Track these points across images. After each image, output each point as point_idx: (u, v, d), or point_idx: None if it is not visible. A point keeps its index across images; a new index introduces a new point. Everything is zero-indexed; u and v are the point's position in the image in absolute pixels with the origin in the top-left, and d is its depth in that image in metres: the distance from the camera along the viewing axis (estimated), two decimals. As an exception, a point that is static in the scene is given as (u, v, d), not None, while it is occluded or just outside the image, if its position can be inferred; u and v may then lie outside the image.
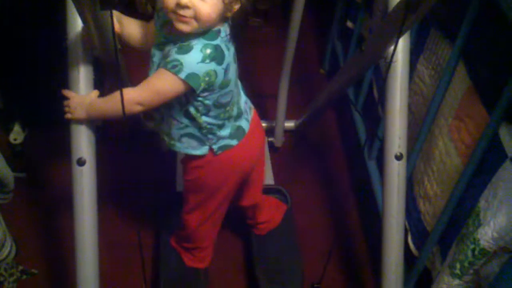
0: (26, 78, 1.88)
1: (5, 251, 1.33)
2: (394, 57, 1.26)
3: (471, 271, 1.13)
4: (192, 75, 1.09)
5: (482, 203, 1.10)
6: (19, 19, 1.73)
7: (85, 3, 0.96)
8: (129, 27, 1.25)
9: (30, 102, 1.95)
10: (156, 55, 1.18)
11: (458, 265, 1.15)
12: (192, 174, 1.36)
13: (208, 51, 1.10)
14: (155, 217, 1.74)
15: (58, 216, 1.75)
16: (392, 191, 1.33)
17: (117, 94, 1.17)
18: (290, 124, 2.09)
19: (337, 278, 1.70)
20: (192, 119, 1.22)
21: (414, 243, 1.44)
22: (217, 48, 1.11)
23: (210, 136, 1.26)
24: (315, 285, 1.49)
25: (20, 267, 1.62)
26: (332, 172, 2.02)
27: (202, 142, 1.27)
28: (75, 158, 1.23)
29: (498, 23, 1.08)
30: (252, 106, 1.38)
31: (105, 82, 2.00)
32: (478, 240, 1.08)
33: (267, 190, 1.71)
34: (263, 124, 1.67)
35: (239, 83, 1.29)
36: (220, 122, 1.25)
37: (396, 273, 1.36)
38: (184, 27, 1.08)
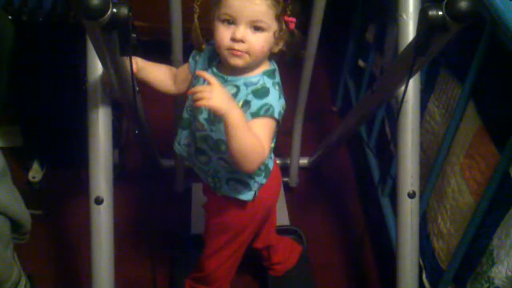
0: (46, 116, 1.93)
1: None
2: (405, 97, 1.29)
3: (486, 310, 1.13)
4: (280, 113, 1.14)
5: (495, 242, 1.10)
6: (42, 58, 1.78)
7: (105, 48, 1.00)
8: (155, 73, 1.29)
9: (49, 141, 1.99)
10: None
11: (473, 304, 1.14)
12: (225, 217, 1.35)
13: (278, 88, 1.15)
14: (170, 259, 1.74)
15: (74, 253, 1.77)
16: (406, 229, 1.33)
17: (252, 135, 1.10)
18: (303, 161, 2.11)
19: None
20: None
21: (429, 281, 1.43)
22: (279, 85, 1.17)
23: (255, 180, 1.27)
24: None
25: (36, 305, 1.63)
26: (347, 210, 2.02)
27: (248, 187, 1.27)
28: (93, 196, 1.26)
29: (506, 63, 1.10)
30: None
31: (122, 123, 2.05)
32: (493, 279, 1.08)
33: (282, 231, 1.71)
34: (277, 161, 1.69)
35: None
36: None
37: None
38: (238, 61, 1.12)
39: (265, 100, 1.12)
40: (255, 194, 1.29)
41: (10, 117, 1.98)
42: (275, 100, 1.13)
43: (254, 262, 1.67)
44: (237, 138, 1.05)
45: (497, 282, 1.07)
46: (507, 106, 1.11)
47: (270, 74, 1.16)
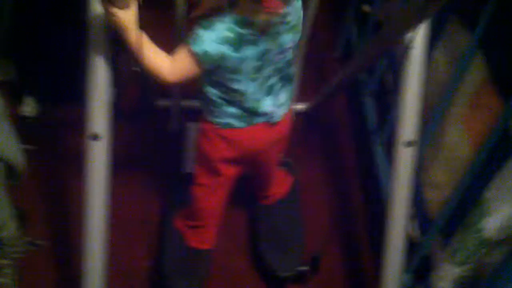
0: (42, 50, 1.88)
1: (6, 230, 1.35)
2: (413, 44, 1.26)
3: (472, 261, 1.14)
4: (205, 52, 1.13)
5: (488, 194, 1.11)
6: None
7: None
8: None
9: (45, 77, 1.95)
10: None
11: (459, 254, 1.16)
12: (199, 141, 1.41)
13: (220, 34, 1.11)
14: (162, 196, 1.76)
15: (67, 190, 1.77)
16: (401, 177, 1.34)
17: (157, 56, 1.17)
18: (302, 107, 2.10)
19: (337, 253, 1.73)
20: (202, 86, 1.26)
21: (417, 230, 1.45)
22: (229, 36, 1.12)
23: (212, 108, 1.29)
24: (315, 255, 1.53)
25: (27, 239, 1.65)
26: (340, 154, 2.04)
27: (206, 111, 1.32)
28: (89, 132, 1.24)
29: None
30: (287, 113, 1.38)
31: (121, 59, 2.00)
32: (481, 230, 1.09)
33: None
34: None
35: (266, 84, 1.27)
36: (228, 99, 1.26)
37: (397, 257, 1.38)
38: None
39: (199, 31, 1.12)
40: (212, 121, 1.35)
41: (3, 49, 1.93)
42: (208, 36, 1.11)
43: (243, 199, 1.71)
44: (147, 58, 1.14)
45: (485, 233, 1.08)
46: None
47: (238, 21, 1.11)
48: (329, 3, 2.41)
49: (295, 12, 1.17)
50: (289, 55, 1.24)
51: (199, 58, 1.13)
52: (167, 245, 1.60)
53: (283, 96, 1.33)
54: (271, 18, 1.11)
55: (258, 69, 1.21)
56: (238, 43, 1.12)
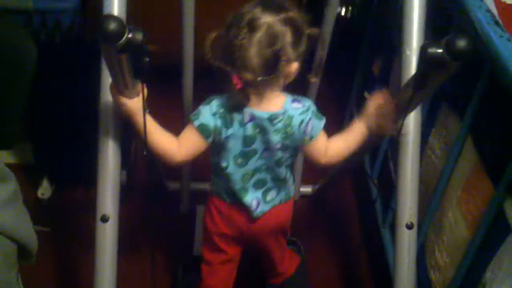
0: (57, 134, 1.97)
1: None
2: (406, 130, 1.33)
3: None
4: (202, 125, 1.24)
5: (488, 275, 1.12)
6: (56, 77, 1.83)
7: (119, 71, 1.05)
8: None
9: (59, 158, 2.04)
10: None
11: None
12: (204, 216, 1.49)
13: (213, 107, 1.23)
14: (173, 279, 1.77)
15: (79, 270, 1.80)
16: (403, 259, 1.36)
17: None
18: (307, 189, 2.14)
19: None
20: None
21: (425, 313, 1.45)
22: (218, 111, 1.22)
23: (212, 175, 1.38)
24: None
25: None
26: (348, 237, 2.05)
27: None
28: (99, 214, 1.29)
29: (504, 101, 1.14)
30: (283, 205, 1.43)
31: (131, 143, 2.08)
32: (485, 312, 1.10)
33: None
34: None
35: (254, 177, 1.33)
36: (219, 172, 1.33)
37: None
38: None
39: (200, 106, 1.24)
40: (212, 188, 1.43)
41: (21, 134, 2.03)
42: (205, 110, 1.22)
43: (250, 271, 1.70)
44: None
45: (489, 314, 1.09)
46: (504, 143, 1.15)
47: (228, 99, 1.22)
48: (333, 90, 2.53)
49: (283, 117, 1.22)
50: (279, 155, 1.28)
51: (198, 131, 1.22)
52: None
53: (272, 195, 1.37)
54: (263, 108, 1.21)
55: (245, 156, 1.27)
56: (228, 119, 1.21)
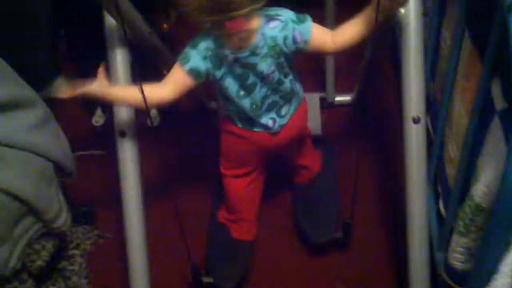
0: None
1: (60, 220, 1.52)
2: (407, 19, 1.29)
3: (473, 229, 1.14)
4: (191, 69, 1.28)
5: (479, 160, 1.10)
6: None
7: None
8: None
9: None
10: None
11: (461, 223, 1.16)
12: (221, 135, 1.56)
13: (200, 48, 1.25)
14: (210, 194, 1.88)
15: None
16: (412, 154, 1.36)
17: None
18: (346, 98, 2.13)
19: (369, 216, 1.81)
20: None
21: (444, 207, 1.44)
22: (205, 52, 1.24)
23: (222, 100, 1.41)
24: (346, 221, 1.59)
25: (96, 232, 1.86)
26: (385, 140, 2.04)
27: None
28: (117, 130, 1.42)
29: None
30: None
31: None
32: (473, 196, 1.09)
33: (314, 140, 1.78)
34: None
35: (267, 102, 1.37)
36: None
37: (423, 233, 1.39)
38: None
39: (186, 49, 1.25)
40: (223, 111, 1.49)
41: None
42: (195, 54, 1.23)
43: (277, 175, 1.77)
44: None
45: (476, 199, 1.08)
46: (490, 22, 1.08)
47: (215, 42, 1.23)
48: None
49: (265, 42, 1.22)
50: (277, 75, 1.30)
51: (190, 75, 1.25)
52: (212, 237, 1.74)
53: (286, 109, 1.41)
54: (242, 46, 1.21)
55: (246, 90, 1.31)
56: (217, 61, 1.24)
